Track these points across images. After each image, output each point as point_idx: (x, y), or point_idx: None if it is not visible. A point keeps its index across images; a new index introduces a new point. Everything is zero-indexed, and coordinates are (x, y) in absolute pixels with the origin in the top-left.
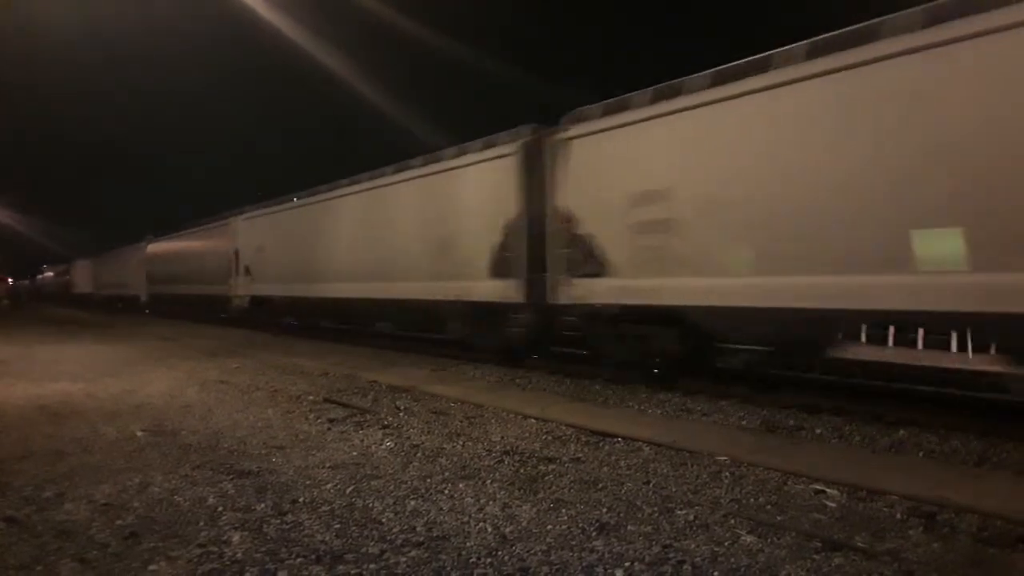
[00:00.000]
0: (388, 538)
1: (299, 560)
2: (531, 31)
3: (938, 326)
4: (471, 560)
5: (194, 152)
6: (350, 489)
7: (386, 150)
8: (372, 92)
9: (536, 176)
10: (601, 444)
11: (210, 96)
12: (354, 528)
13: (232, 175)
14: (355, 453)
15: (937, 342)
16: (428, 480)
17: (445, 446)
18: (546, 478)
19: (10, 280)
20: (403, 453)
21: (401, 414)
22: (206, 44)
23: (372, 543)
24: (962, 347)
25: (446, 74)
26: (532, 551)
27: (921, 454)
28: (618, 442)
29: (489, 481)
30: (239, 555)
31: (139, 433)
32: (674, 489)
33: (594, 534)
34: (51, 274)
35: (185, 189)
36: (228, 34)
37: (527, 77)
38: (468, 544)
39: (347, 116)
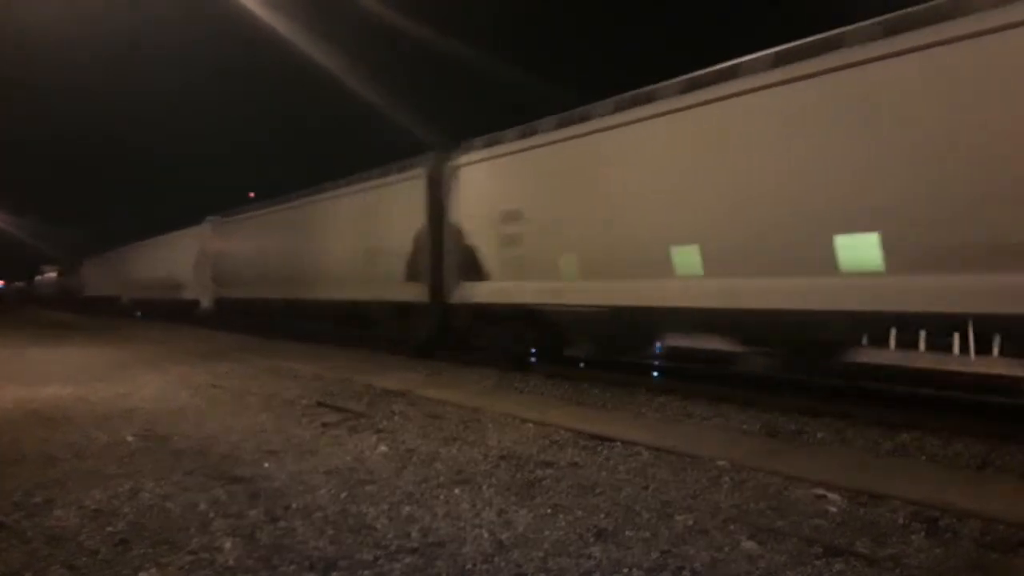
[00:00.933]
0: (382, 545)
1: (292, 567)
2: (531, 31)
3: None
4: (467, 567)
5: (193, 151)
6: (344, 495)
7: (386, 149)
8: (367, 90)
9: None
10: (599, 448)
11: (209, 95)
12: (348, 535)
13: (233, 175)
14: (349, 458)
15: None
16: (423, 485)
17: (441, 451)
18: (543, 483)
19: (2, 282)
20: (398, 458)
21: (396, 418)
22: (204, 43)
23: (366, 550)
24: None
25: (445, 73)
26: (529, 558)
27: (924, 458)
28: (617, 446)
29: (485, 486)
30: (231, 562)
31: (130, 438)
32: (673, 494)
33: (592, 540)
34: (53, 274)
35: (184, 189)
36: (227, 33)
37: (527, 77)
38: (464, 551)
39: (347, 116)
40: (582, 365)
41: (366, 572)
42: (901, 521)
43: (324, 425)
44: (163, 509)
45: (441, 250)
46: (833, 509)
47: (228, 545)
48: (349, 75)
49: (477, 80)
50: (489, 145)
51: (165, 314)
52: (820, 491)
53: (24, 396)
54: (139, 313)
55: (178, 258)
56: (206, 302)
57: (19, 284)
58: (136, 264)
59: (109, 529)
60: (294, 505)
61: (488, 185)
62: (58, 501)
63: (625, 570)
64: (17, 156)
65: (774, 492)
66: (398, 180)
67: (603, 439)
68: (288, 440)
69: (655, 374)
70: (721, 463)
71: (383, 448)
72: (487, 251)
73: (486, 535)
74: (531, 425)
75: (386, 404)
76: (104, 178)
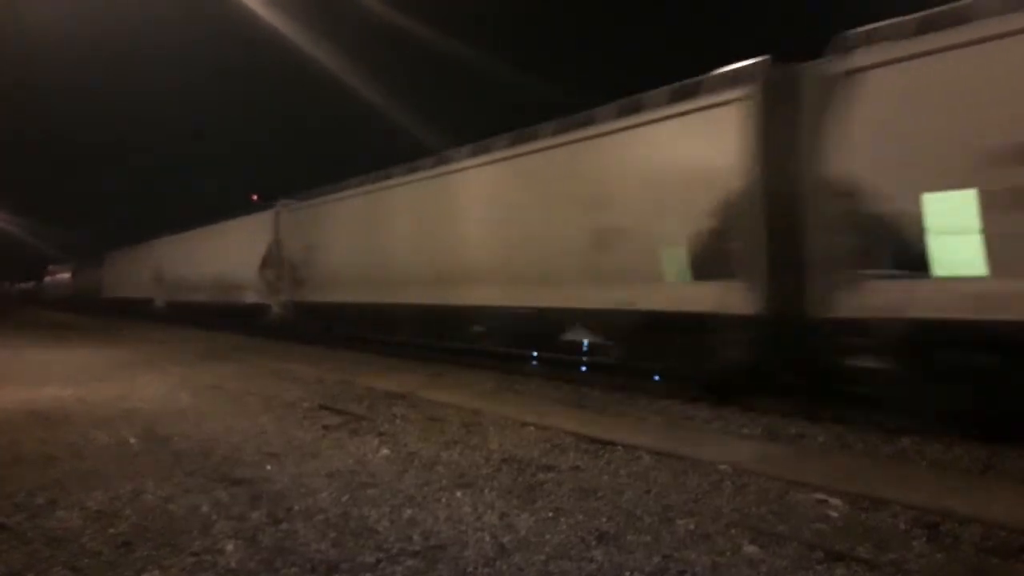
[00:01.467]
0: (384, 548)
1: (294, 570)
2: (530, 31)
3: None
4: (468, 570)
5: (192, 151)
6: (345, 498)
7: (384, 150)
8: (368, 90)
9: None
10: (601, 452)
11: (209, 95)
12: (349, 537)
13: (233, 175)
14: (351, 461)
15: None
16: (425, 488)
17: (442, 454)
18: (545, 486)
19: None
20: (399, 461)
21: (397, 421)
22: (204, 43)
23: (368, 553)
24: None
25: (445, 73)
26: (531, 561)
27: (924, 463)
28: (618, 450)
29: (487, 489)
30: (233, 564)
31: (131, 439)
32: (675, 498)
33: (593, 544)
34: (65, 275)
35: (183, 188)
36: (227, 33)
37: (527, 77)
38: (465, 554)
39: (347, 116)
40: (583, 368)
41: (368, 575)
42: (902, 526)
43: (325, 427)
44: (165, 511)
45: (798, 224)
46: (834, 514)
47: (230, 547)
48: (350, 75)
49: (477, 80)
50: (946, 25)
51: (165, 315)
52: (821, 496)
53: (24, 397)
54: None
55: (234, 253)
56: (276, 307)
57: (24, 286)
58: (175, 261)
59: (111, 531)
60: (296, 507)
61: (955, 95)
62: (60, 502)
63: (627, 574)
64: (16, 155)
65: (775, 496)
66: (674, 113)
67: (604, 443)
68: (289, 442)
69: (656, 378)
70: (722, 467)
71: (385, 451)
72: (961, 219)
73: (488, 538)
74: (532, 428)
75: (387, 407)
76: (104, 177)
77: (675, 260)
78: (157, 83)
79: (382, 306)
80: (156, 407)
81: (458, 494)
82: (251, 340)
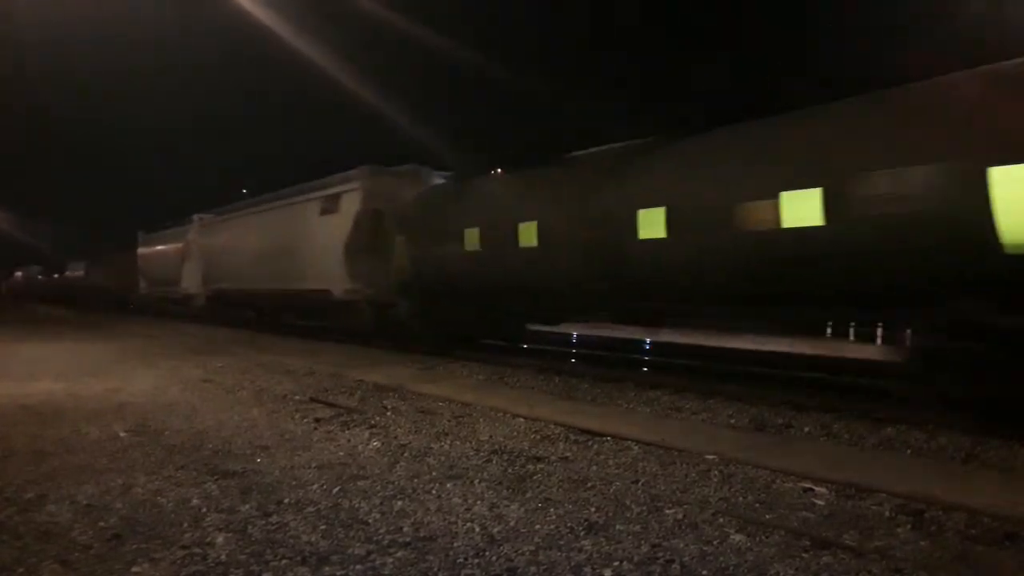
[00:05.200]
0: (375, 539)
1: (284, 562)
2: (525, 32)
3: None
4: (458, 561)
5: (188, 151)
6: (336, 490)
7: (376, 149)
8: (360, 87)
9: None
10: (590, 443)
11: (202, 92)
12: (340, 529)
13: (228, 173)
14: (341, 453)
15: None
16: (415, 480)
17: (432, 446)
18: (534, 477)
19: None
20: (390, 453)
21: (388, 413)
22: (201, 39)
23: (358, 544)
24: None
25: (444, 73)
26: (520, 551)
27: (909, 452)
28: (607, 441)
29: (477, 481)
30: (223, 557)
31: (122, 433)
32: (663, 488)
33: (582, 534)
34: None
35: (177, 187)
36: (224, 32)
37: (522, 78)
38: (455, 545)
39: (344, 116)
40: (573, 360)
41: (358, 566)
42: (887, 514)
43: (316, 420)
44: (155, 504)
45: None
46: (820, 502)
47: (220, 540)
48: (347, 75)
49: (474, 81)
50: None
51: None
52: (807, 484)
53: (15, 392)
54: (131, 305)
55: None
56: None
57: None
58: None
59: (101, 524)
60: (286, 500)
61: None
62: (50, 496)
63: (615, 563)
64: (14, 152)
65: (762, 485)
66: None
67: (594, 434)
68: (280, 435)
69: (644, 369)
70: (710, 457)
71: (375, 443)
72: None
73: (477, 529)
74: (522, 420)
75: (378, 399)
76: (101, 174)
77: None
78: (155, 81)
79: None
80: (147, 401)
81: (448, 485)
82: (241, 334)
